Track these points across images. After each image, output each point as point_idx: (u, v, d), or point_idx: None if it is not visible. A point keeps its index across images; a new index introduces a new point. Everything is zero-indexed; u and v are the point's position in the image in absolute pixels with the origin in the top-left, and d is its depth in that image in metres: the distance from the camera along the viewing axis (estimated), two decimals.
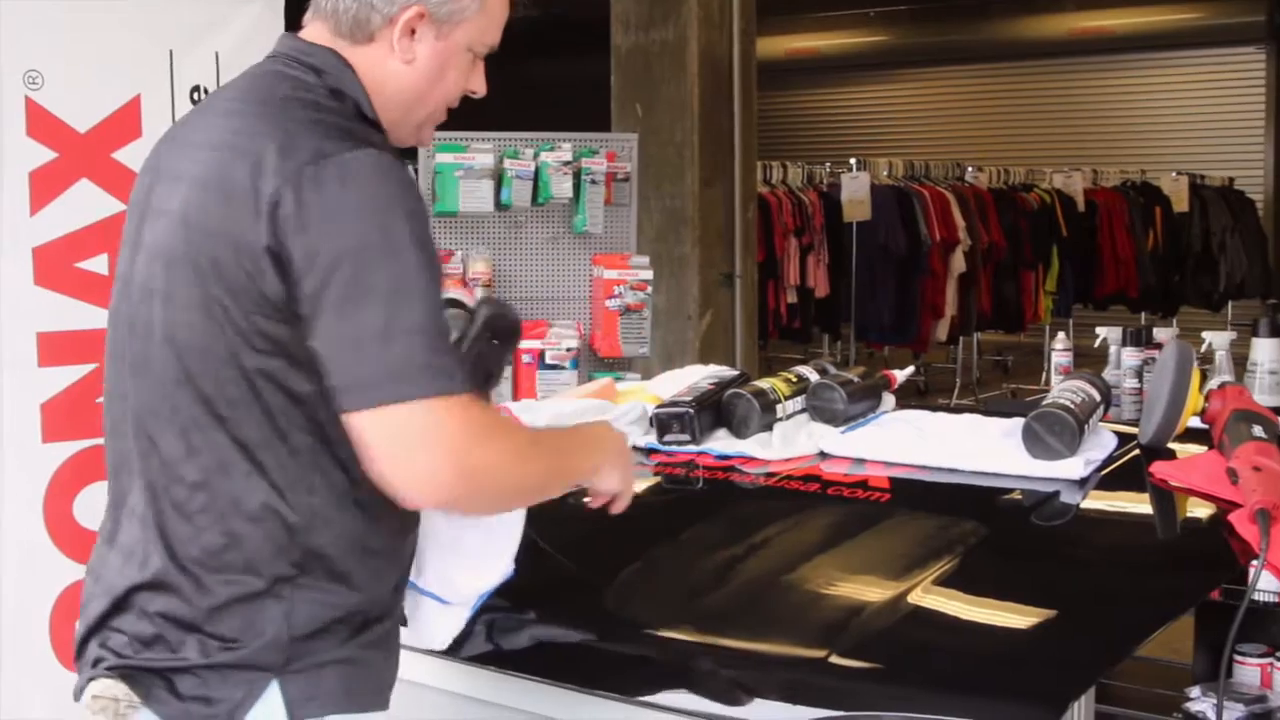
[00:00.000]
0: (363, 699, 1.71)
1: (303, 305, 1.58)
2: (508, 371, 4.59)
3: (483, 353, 1.86)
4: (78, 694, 1.72)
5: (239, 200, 1.60)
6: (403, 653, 1.89)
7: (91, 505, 2.94)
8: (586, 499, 1.93)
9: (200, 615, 1.65)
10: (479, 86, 1.85)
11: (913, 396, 9.44)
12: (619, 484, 1.90)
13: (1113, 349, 3.25)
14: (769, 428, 2.73)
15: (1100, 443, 2.56)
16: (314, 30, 1.78)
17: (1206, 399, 2.61)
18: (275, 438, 1.64)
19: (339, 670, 1.68)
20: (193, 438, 1.66)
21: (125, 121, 3.20)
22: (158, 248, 1.70)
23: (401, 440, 1.58)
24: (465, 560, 1.88)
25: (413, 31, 1.75)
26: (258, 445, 1.64)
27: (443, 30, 1.76)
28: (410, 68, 1.76)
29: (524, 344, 4.59)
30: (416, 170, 5.01)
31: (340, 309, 1.57)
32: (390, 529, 1.72)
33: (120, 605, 1.71)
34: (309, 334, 1.59)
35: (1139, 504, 2.45)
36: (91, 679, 1.70)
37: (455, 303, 1.95)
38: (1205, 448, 2.52)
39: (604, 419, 1.99)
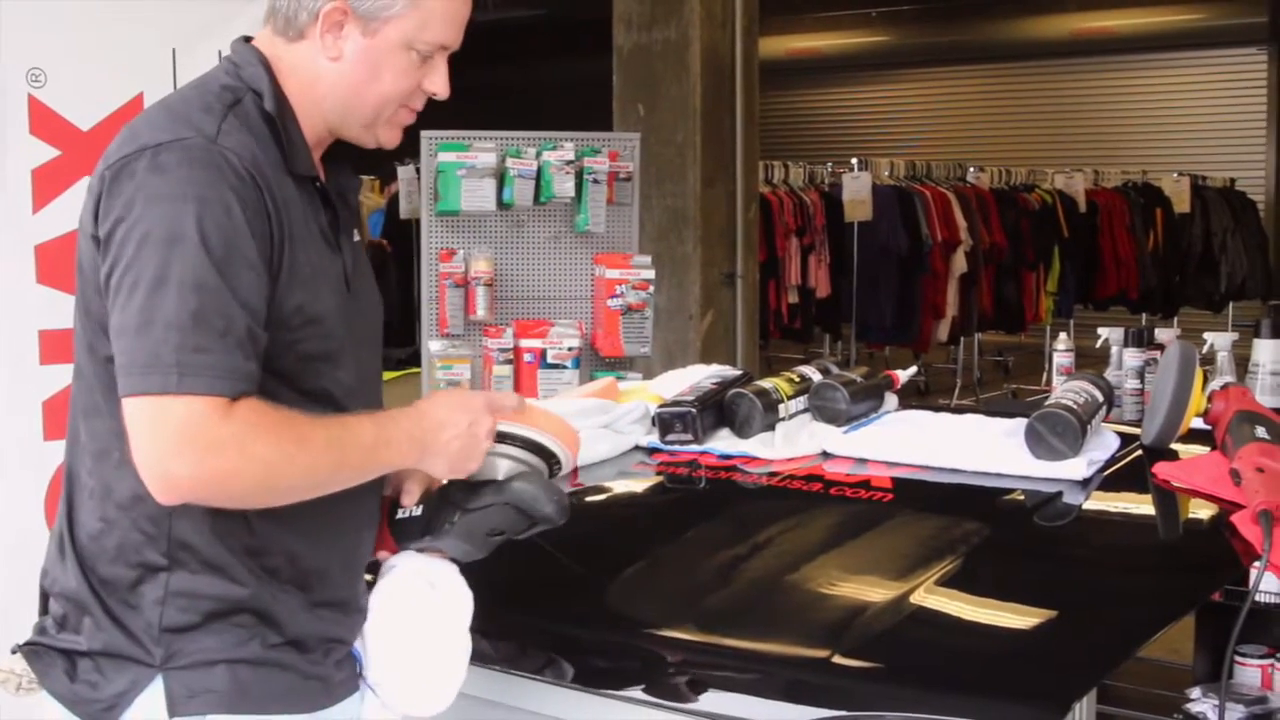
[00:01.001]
0: (260, 702, 1.68)
1: (106, 293, 1.62)
2: (508, 370, 4.59)
3: (498, 516, 1.83)
4: None
5: (90, 195, 1.68)
6: None
7: None
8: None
9: (88, 596, 1.68)
10: (437, 88, 1.81)
11: (913, 397, 9.43)
12: (457, 474, 1.81)
13: (1114, 350, 3.26)
14: (771, 427, 2.73)
15: (1103, 443, 2.56)
16: (262, 31, 1.80)
17: (1209, 400, 2.61)
18: None
19: (232, 670, 1.66)
20: (91, 424, 1.71)
21: (128, 119, 3.19)
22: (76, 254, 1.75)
23: (143, 432, 1.56)
24: (411, 676, 1.84)
25: (340, 27, 1.74)
26: (123, 433, 1.63)
27: (370, 27, 1.73)
28: (337, 65, 1.75)
29: (525, 342, 4.59)
30: (419, 170, 5.01)
31: (117, 295, 1.59)
32: (270, 529, 1.68)
33: (44, 585, 1.78)
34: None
35: (1141, 505, 2.45)
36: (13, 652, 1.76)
37: (531, 444, 1.90)
38: (1208, 449, 2.52)
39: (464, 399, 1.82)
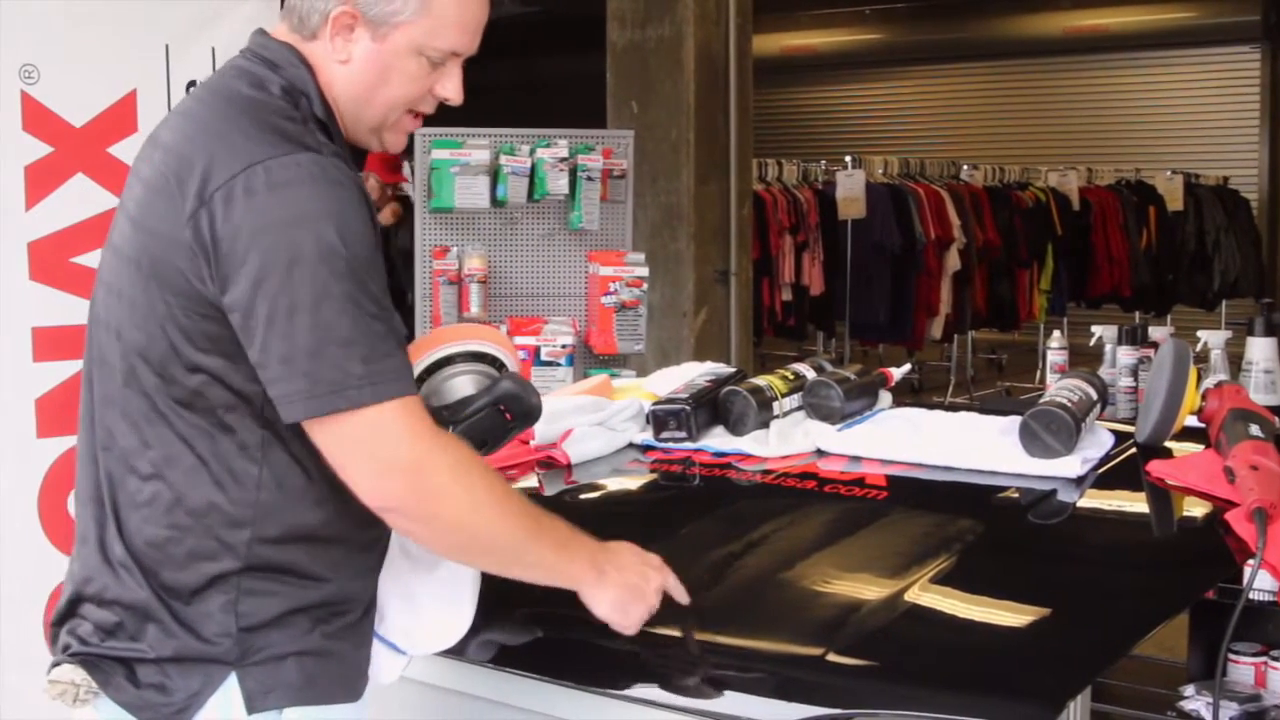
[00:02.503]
0: (327, 691, 1.71)
1: (233, 314, 1.60)
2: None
3: (486, 422, 1.88)
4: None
5: (177, 204, 1.62)
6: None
7: None
8: None
9: (154, 604, 1.67)
10: (450, 93, 1.80)
11: (907, 394, 9.43)
12: (614, 616, 1.78)
13: (1108, 348, 3.26)
14: (765, 425, 2.72)
15: (1097, 441, 2.57)
16: (280, 27, 1.79)
17: (1203, 398, 2.61)
18: (220, 433, 1.65)
19: (299, 662, 1.68)
20: (144, 431, 1.68)
21: (121, 116, 3.20)
22: (116, 245, 1.73)
23: (348, 447, 1.60)
24: (423, 615, 1.87)
25: (349, 30, 1.73)
26: (201, 440, 1.66)
27: (379, 32, 1.72)
28: (346, 68, 1.74)
29: (519, 339, 4.59)
30: (413, 166, 5.01)
31: (270, 323, 1.58)
32: (351, 522, 1.71)
33: (84, 593, 1.73)
34: (246, 344, 1.60)
35: (1136, 502, 2.45)
36: (56, 664, 1.73)
37: (484, 357, 1.96)
38: (1202, 446, 2.52)
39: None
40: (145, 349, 1.67)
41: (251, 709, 1.66)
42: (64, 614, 1.75)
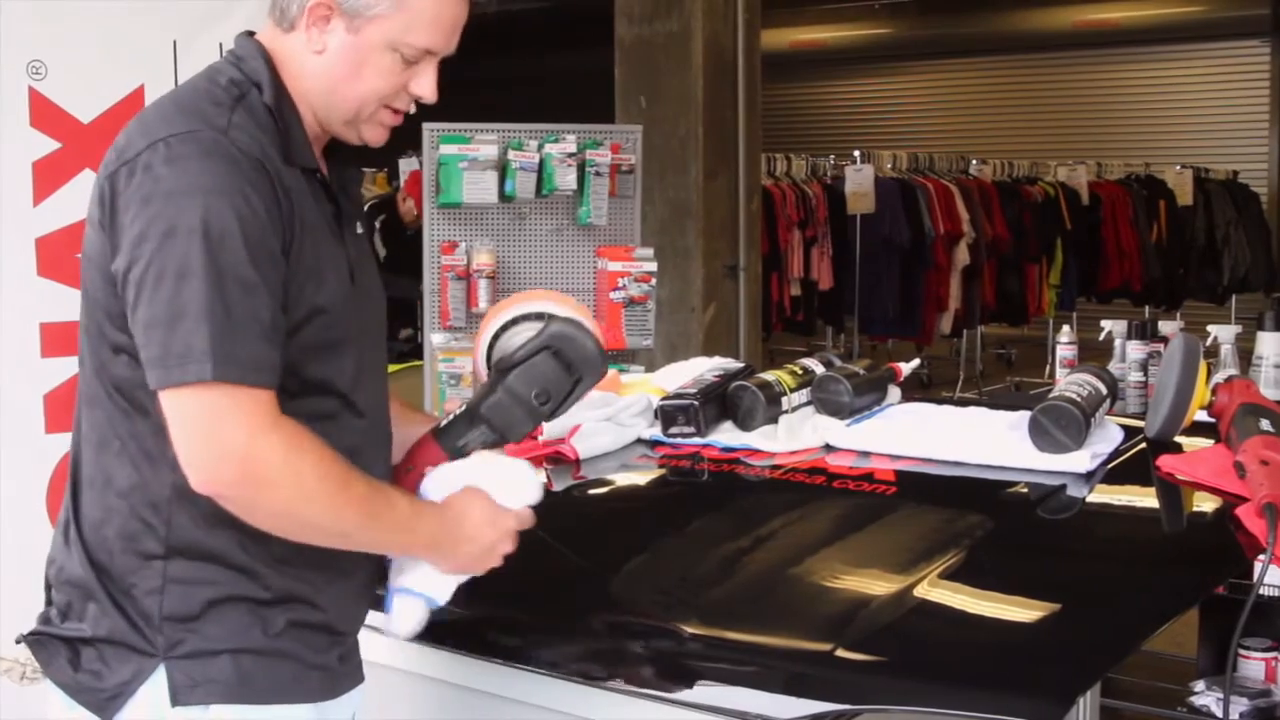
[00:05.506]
0: (265, 692, 1.68)
1: (121, 284, 1.62)
2: None
3: (541, 368, 1.82)
4: None
5: (98, 188, 1.68)
6: (404, 644, 1.88)
7: None
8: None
9: (93, 583, 1.70)
10: (424, 92, 1.79)
11: (916, 389, 9.39)
12: (451, 567, 1.78)
13: (1118, 342, 3.25)
14: (774, 420, 2.72)
15: (1106, 436, 2.56)
16: (267, 22, 1.80)
17: (1213, 393, 2.60)
18: (137, 413, 1.67)
19: (235, 660, 1.67)
20: (90, 414, 1.73)
21: (129, 112, 3.17)
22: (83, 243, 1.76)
23: (184, 425, 1.58)
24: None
25: (325, 21, 1.73)
26: (123, 422, 1.68)
27: (354, 24, 1.72)
28: (320, 59, 1.75)
29: None
30: (421, 162, 5.01)
31: (139, 289, 1.59)
32: None
33: (50, 575, 1.79)
34: (128, 312, 1.62)
35: (1145, 498, 2.44)
36: (16, 642, 1.78)
37: (545, 316, 1.93)
38: (1212, 441, 2.51)
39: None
40: (88, 334, 1.72)
41: (176, 702, 1.65)
42: (46, 600, 1.80)
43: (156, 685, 1.65)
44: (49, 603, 1.79)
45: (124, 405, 1.68)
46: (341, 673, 1.77)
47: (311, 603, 1.73)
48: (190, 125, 1.64)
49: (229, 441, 1.56)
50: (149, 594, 1.66)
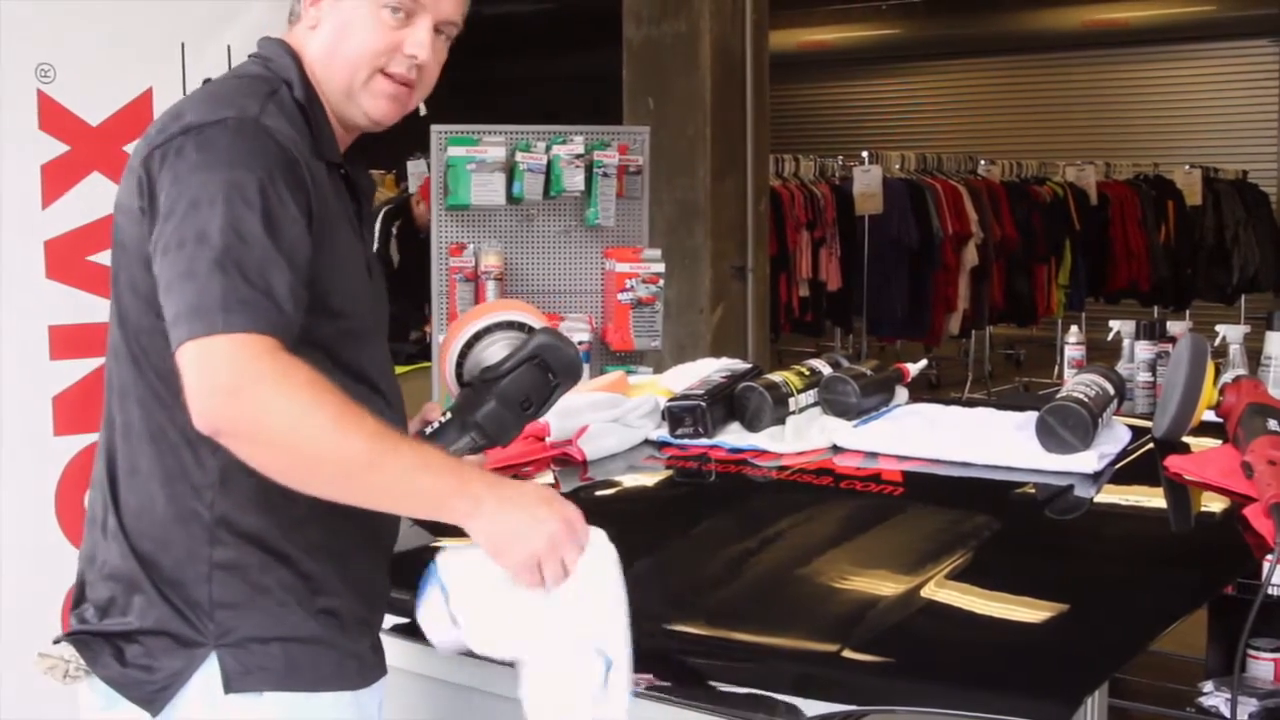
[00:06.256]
0: (311, 679, 1.69)
1: (152, 261, 1.64)
2: None
3: (527, 377, 1.89)
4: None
5: (132, 175, 1.70)
6: (408, 645, 1.89)
7: None
8: None
9: (138, 573, 1.69)
10: (416, 49, 1.78)
11: (924, 390, 9.36)
12: (491, 555, 1.62)
13: (1126, 342, 3.25)
14: (781, 421, 2.72)
15: (1114, 436, 2.56)
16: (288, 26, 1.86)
17: (1221, 393, 2.60)
18: (178, 402, 1.63)
19: (284, 647, 1.67)
20: (129, 400, 1.72)
21: (137, 114, 3.20)
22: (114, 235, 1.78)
23: (191, 372, 1.55)
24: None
25: (318, 1, 1.79)
26: (168, 406, 1.66)
27: None
28: (317, 33, 1.79)
29: None
30: (429, 164, 5.01)
31: (165, 256, 1.60)
32: (308, 500, 1.61)
33: (87, 571, 1.77)
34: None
35: (1153, 498, 2.44)
36: (56, 641, 1.76)
37: (515, 324, 2.00)
38: (1220, 441, 2.51)
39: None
40: (126, 322, 1.72)
41: (230, 689, 1.65)
42: (76, 598, 1.79)
43: (209, 674, 1.66)
44: (81, 601, 1.78)
45: (164, 393, 1.67)
46: (373, 662, 1.79)
47: (345, 592, 1.74)
48: (222, 113, 1.66)
49: (218, 376, 1.53)
50: (197, 581, 1.67)
